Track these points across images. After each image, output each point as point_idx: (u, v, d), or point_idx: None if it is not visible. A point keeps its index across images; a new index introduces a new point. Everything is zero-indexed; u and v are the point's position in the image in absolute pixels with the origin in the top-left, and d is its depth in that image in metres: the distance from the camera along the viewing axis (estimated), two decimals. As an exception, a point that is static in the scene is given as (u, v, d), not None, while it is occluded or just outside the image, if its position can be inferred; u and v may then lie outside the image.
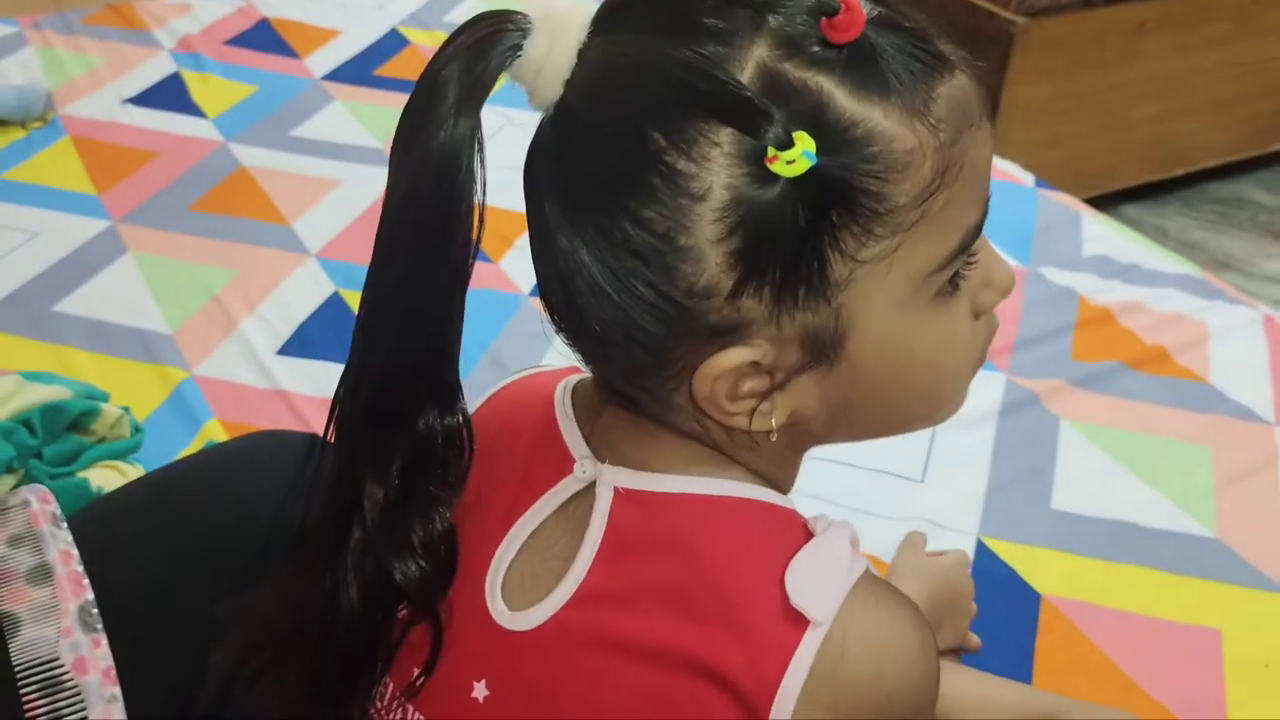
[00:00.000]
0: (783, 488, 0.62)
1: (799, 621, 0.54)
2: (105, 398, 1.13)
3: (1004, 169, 1.82)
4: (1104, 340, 1.44)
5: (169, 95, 1.83)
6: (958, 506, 1.20)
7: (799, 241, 0.51)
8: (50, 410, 1.05)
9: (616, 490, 0.58)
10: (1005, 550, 1.15)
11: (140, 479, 0.90)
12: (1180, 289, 1.55)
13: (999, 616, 1.07)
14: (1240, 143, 2.89)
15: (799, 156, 0.50)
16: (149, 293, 1.42)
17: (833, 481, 1.20)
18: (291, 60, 1.99)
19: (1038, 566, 1.14)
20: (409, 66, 1.99)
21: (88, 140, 1.70)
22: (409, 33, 2.10)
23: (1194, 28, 2.57)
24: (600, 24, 0.54)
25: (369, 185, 1.65)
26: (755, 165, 0.50)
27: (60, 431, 1.06)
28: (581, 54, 0.53)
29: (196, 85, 1.87)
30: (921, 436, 1.29)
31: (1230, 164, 2.93)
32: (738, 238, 0.51)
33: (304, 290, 1.44)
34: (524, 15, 0.54)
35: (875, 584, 0.57)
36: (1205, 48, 2.62)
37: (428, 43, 2.07)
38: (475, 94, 0.53)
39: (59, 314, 1.37)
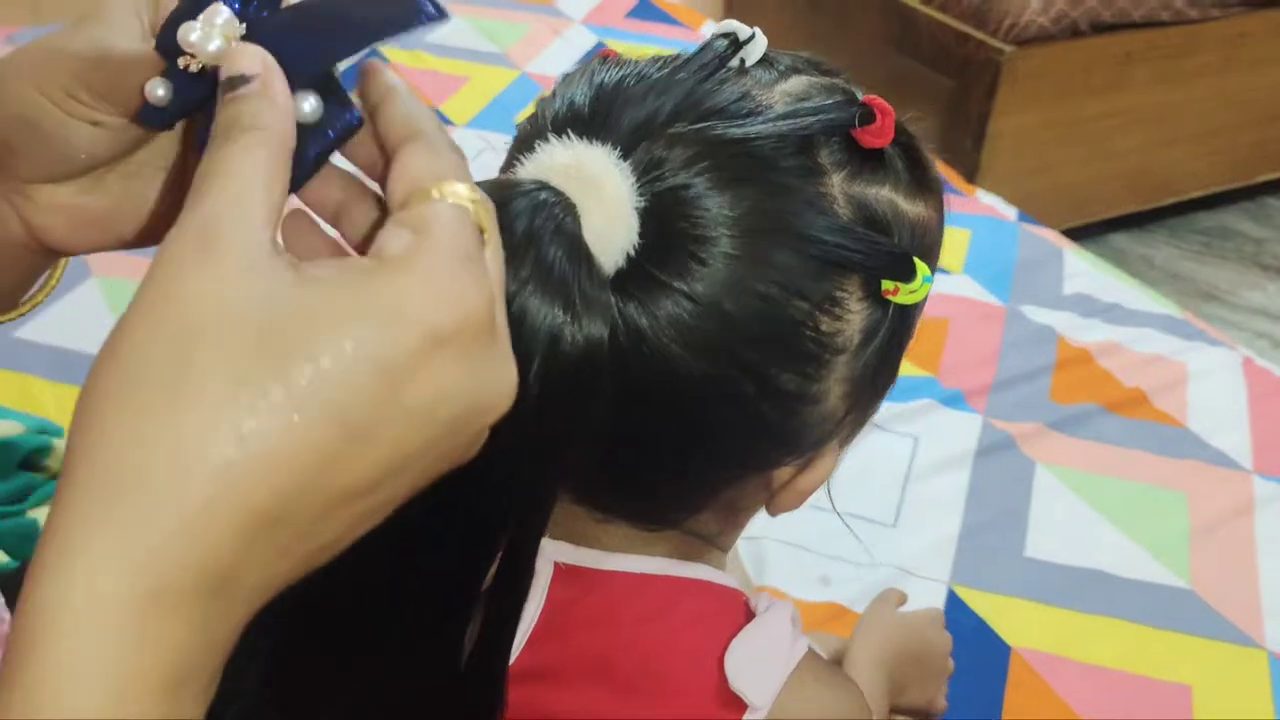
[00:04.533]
0: (727, 548, 0.62)
1: (737, 705, 0.53)
2: (59, 432, 1.10)
3: (987, 203, 1.80)
4: (1082, 382, 1.43)
5: (143, 114, 1.80)
6: (930, 553, 1.18)
7: (899, 348, 0.54)
8: (1, 447, 1.03)
9: (557, 565, 0.57)
10: (976, 600, 1.13)
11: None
12: (1160, 329, 1.53)
13: (968, 669, 1.04)
14: (1227, 173, 2.89)
15: (920, 285, 0.51)
16: (113, 319, 1.39)
17: (804, 526, 1.18)
18: (269, 79, 1.96)
19: (1008, 617, 1.12)
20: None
21: (58, 160, 1.67)
22: (388, 52, 2.08)
23: (1181, 58, 2.56)
24: (648, 177, 0.47)
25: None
26: (877, 300, 0.51)
27: (11, 469, 1.04)
28: (642, 215, 0.47)
29: (172, 104, 1.84)
30: (896, 480, 1.27)
31: (1217, 194, 2.93)
32: (859, 368, 0.52)
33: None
34: (545, 185, 0.46)
35: (816, 666, 0.57)
36: (1192, 78, 2.61)
37: (407, 63, 2.05)
38: (595, 300, 0.44)
39: (20, 341, 1.35)
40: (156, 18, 0.42)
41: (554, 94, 0.52)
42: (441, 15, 0.36)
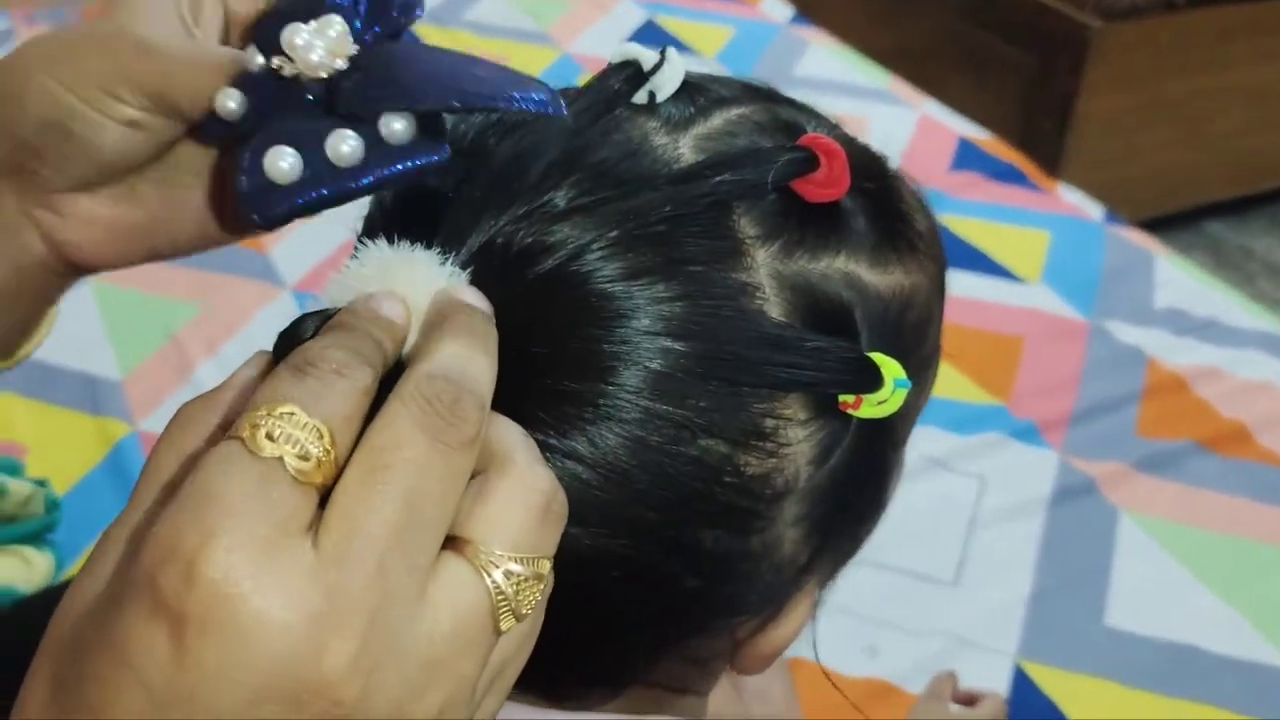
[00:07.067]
0: (707, 691, 0.49)
1: None
2: (14, 469, 1.00)
3: (1069, 201, 1.63)
4: (1175, 413, 1.26)
5: (157, 99, 1.69)
6: (994, 619, 1.03)
7: (879, 462, 0.40)
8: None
9: None
10: (1046, 678, 0.99)
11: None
12: (1264, 350, 1.36)
13: (1034, 763, 0.91)
14: (1335, 157, 2.68)
15: (891, 393, 0.36)
16: (104, 329, 1.29)
17: (853, 586, 1.03)
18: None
19: (1082, 699, 0.98)
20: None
21: (61, 150, 1.57)
22: (423, 30, 1.95)
23: (1286, 34, 2.37)
24: (495, 282, 0.34)
25: (356, 211, 1.50)
26: (831, 416, 0.36)
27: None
28: None
29: (189, 88, 1.73)
30: (958, 529, 1.12)
31: (1322, 180, 2.72)
32: (819, 506, 0.38)
33: (274, 329, 1.30)
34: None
35: None
36: (1298, 56, 2.42)
37: (442, 42, 1.92)
38: None
39: None
40: (202, 19, 0.39)
41: None
42: (556, 109, 0.32)
